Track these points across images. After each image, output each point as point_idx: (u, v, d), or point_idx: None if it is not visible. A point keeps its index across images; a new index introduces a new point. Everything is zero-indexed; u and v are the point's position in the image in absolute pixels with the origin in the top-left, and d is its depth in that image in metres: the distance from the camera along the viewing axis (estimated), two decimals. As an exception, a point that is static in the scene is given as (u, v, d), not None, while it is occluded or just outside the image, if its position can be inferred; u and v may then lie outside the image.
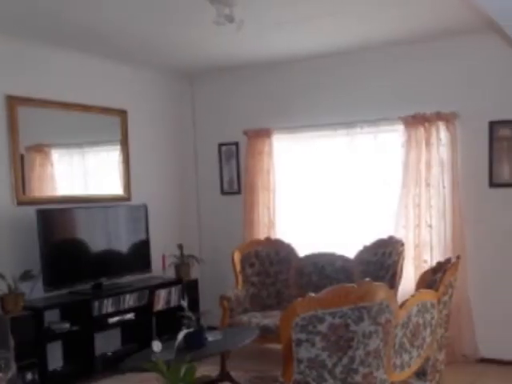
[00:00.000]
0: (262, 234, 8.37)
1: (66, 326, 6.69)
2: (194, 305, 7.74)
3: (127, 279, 7.63)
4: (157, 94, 8.67)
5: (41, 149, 7.22)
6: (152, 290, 7.60)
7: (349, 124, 7.83)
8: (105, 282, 7.28)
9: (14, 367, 5.43)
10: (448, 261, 5.16)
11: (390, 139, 7.64)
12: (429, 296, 4.55)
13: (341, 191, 7.99)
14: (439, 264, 5.20)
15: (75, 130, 7.60)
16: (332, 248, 7.67)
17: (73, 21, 6.21)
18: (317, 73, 8.11)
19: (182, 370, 4.42)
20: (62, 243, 7.00)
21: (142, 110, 8.39)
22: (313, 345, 3.88)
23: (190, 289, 8.11)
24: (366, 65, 7.74)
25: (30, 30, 6.47)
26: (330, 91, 8.01)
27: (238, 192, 8.86)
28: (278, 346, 5.77)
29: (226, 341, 6.04)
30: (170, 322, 7.44)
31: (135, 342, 7.54)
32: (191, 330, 5.66)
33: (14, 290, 6.24)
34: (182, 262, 8.27)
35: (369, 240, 7.30)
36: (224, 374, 6.34)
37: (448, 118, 7.04)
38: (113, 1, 5.66)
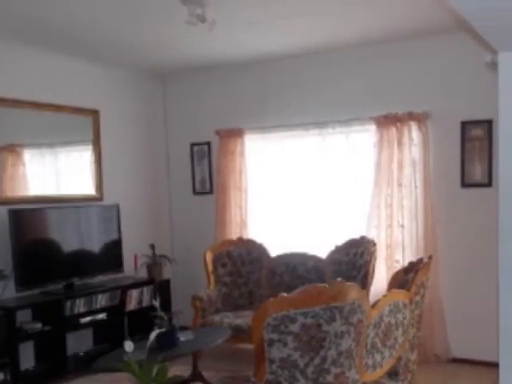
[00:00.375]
0: (234, 234, 8.38)
1: (38, 325, 6.64)
2: (166, 305, 7.77)
3: (99, 279, 7.61)
4: (129, 93, 8.64)
5: (13, 149, 7.17)
6: (124, 290, 7.57)
7: (321, 124, 7.84)
8: (77, 282, 7.26)
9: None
10: (420, 261, 5.18)
11: (362, 139, 7.64)
12: (401, 296, 4.57)
13: (313, 191, 8.00)
14: (411, 264, 5.22)
15: (47, 129, 7.56)
16: (304, 248, 7.67)
17: (44, 20, 6.16)
18: (289, 73, 8.12)
19: (154, 370, 4.44)
20: (34, 243, 6.96)
21: (115, 109, 8.36)
22: (285, 345, 3.88)
23: (162, 289, 8.11)
24: (338, 65, 7.75)
25: (0, 29, 6.42)
26: (302, 91, 8.01)
27: (210, 192, 8.86)
28: (250, 346, 5.77)
29: (198, 341, 6.02)
30: (142, 322, 7.45)
31: (107, 341, 7.52)
32: (163, 329, 5.67)
33: (-14, 290, 6.20)
34: (154, 262, 8.29)
35: (341, 240, 7.29)
36: (196, 374, 6.34)
37: (420, 118, 7.07)
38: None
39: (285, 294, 3.94)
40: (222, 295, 7.60)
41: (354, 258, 6.96)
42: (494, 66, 4.15)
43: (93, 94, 8.03)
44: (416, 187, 7.12)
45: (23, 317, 6.67)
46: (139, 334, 7.07)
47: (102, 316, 7.29)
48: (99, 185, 8.07)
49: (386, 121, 7.22)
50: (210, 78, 8.76)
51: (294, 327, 3.85)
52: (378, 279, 7.05)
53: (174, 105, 9.15)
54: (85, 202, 7.78)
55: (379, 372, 4.42)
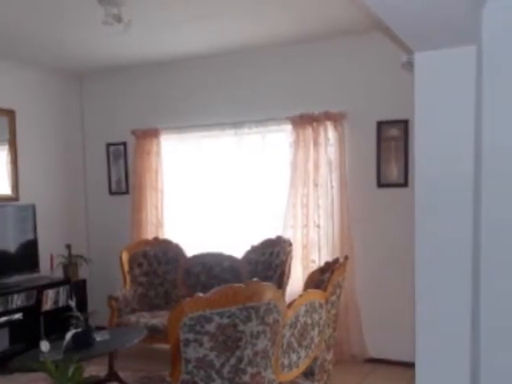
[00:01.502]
0: (150, 234, 8.36)
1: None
2: (82, 305, 7.83)
3: (15, 279, 7.55)
4: (45, 93, 8.53)
5: None
6: (40, 290, 7.55)
7: (237, 124, 7.83)
8: (-8, 281, 7.16)
9: None
10: (336, 261, 5.18)
11: (279, 139, 7.65)
12: (317, 296, 4.56)
13: (229, 191, 8.00)
14: (327, 264, 5.22)
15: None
16: (221, 248, 7.66)
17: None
18: (206, 73, 8.09)
19: (70, 370, 4.43)
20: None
21: (31, 109, 8.28)
22: (201, 345, 3.85)
23: (78, 289, 8.13)
24: (255, 65, 7.73)
25: None
26: (218, 91, 8.00)
27: (126, 192, 8.83)
28: (166, 346, 5.76)
29: (114, 341, 5.99)
30: (58, 321, 7.38)
31: (23, 341, 7.38)
32: (79, 329, 5.68)
33: None
34: (70, 262, 8.26)
35: (257, 240, 7.29)
36: (112, 374, 6.32)
37: (336, 118, 7.08)
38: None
39: (201, 294, 3.90)
40: (138, 295, 7.53)
41: (270, 258, 6.95)
42: (410, 66, 4.18)
43: (8, 93, 7.93)
44: (332, 187, 7.13)
45: None
46: (55, 334, 6.98)
47: (17, 316, 7.26)
48: (15, 185, 7.98)
49: (301, 121, 7.22)
50: (126, 77, 8.72)
51: (210, 327, 3.82)
52: (294, 279, 7.06)
53: (91, 105, 9.07)
54: (0, 202, 7.67)
55: (295, 372, 4.41)
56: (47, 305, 7.61)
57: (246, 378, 3.94)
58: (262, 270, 6.98)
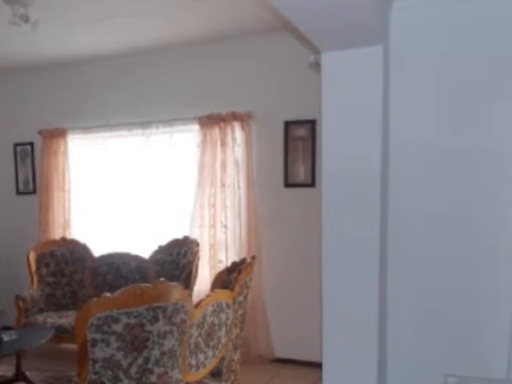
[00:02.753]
0: (57, 234, 8.32)
1: None
2: None
3: None
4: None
5: None
6: None
7: (144, 124, 7.80)
8: None
9: None
10: (243, 261, 5.17)
11: (186, 139, 7.62)
12: (224, 296, 4.55)
13: (137, 191, 7.97)
14: (234, 264, 5.21)
15: None
16: (129, 248, 7.62)
17: None
18: (113, 72, 8.04)
19: None
20: None
21: None
22: (108, 345, 3.81)
23: (-14, 289, 7.91)
24: (163, 65, 7.69)
25: None
26: (126, 91, 7.96)
27: (34, 192, 8.80)
28: (73, 346, 5.68)
29: (21, 341, 5.90)
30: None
31: None
32: None
33: None
34: (-23, 263, 8.06)
35: (165, 240, 7.26)
36: (19, 374, 6.23)
37: (243, 118, 7.09)
38: None
39: (108, 294, 3.85)
40: (46, 295, 7.42)
41: (178, 258, 6.93)
42: (317, 66, 4.20)
43: None
44: (239, 187, 7.13)
45: None
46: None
47: None
48: None
49: (209, 121, 7.21)
50: (34, 78, 8.63)
51: (118, 327, 3.77)
52: (202, 279, 7.07)
53: (-3, 105, 8.95)
54: None
55: (203, 372, 4.40)
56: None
57: (153, 377, 3.91)
58: (170, 269, 6.96)
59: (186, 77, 7.55)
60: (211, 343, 4.43)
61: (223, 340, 4.60)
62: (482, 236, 3.97)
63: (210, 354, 4.43)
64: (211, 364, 4.51)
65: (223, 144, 7.17)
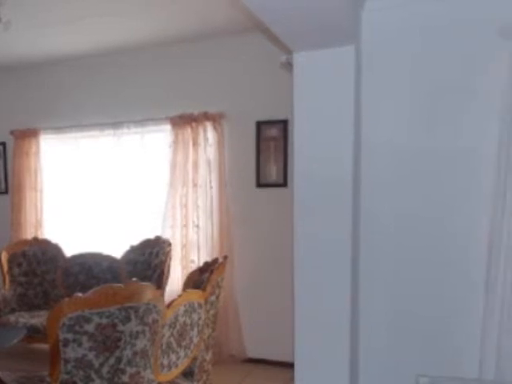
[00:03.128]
0: (29, 234, 8.31)
1: None
2: None
3: None
4: None
5: None
6: None
7: (116, 124, 7.79)
8: None
9: None
10: (215, 261, 5.17)
11: (158, 139, 7.61)
12: (196, 296, 4.55)
13: (108, 191, 7.96)
14: (206, 264, 5.21)
15: None
16: (101, 248, 7.58)
17: None
18: (84, 73, 8.01)
19: None
20: None
21: None
22: (80, 345, 3.78)
23: (-42, 289, 7.82)
24: (135, 65, 7.67)
25: None
26: (98, 91, 7.94)
27: (6, 192, 8.78)
28: (46, 346, 5.63)
29: (-6, 340, 5.85)
30: None
31: None
32: None
33: None
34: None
35: (137, 240, 7.23)
36: (-9, 374, 6.13)
37: (215, 118, 7.08)
38: None
39: (80, 294, 3.83)
40: (18, 295, 7.37)
41: (150, 258, 6.92)
42: (289, 66, 4.21)
43: None
44: (211, 187, 7.13)
45: None
46: None
47: None
48: None
49: (181, 121, 7.20)
50: (5, 78, 8.62)
51: (90, 327, 3.75)
52: (174, 279, 7.06)
53: (-31, 105, 8.90)
54: None
55: (175, 372, 4.39)
56: None
57: (125, 378, 3.90)
58: (142, 269, 6.93)
59: (158, 77, 7.53)
60: (183, 343, 4.42)
61: (195, 340, 4.60)
62: (453, 237, 4.01)
63: (182, 354, 4.42)
64: (183, 364, 4.50)
65: (195, 144, 7.16)
